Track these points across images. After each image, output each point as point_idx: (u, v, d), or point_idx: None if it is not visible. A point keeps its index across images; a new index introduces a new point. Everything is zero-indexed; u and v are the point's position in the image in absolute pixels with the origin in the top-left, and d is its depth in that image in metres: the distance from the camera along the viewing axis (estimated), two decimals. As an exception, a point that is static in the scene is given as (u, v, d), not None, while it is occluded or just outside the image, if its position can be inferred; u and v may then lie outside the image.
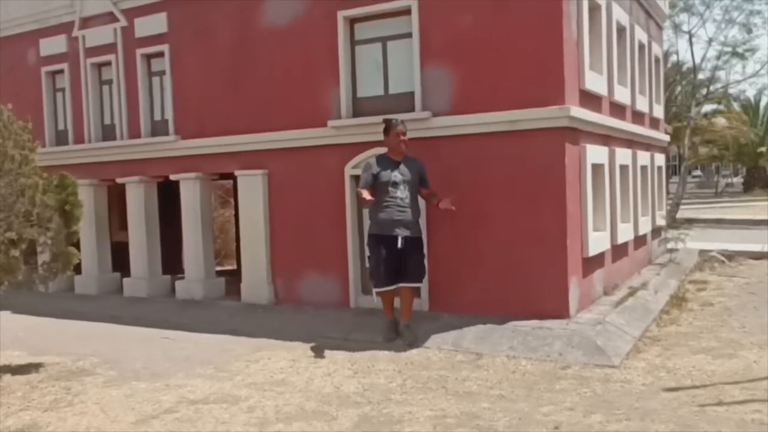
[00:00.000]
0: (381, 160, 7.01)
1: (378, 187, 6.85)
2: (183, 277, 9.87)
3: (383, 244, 6.83)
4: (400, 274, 6.91)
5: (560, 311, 7.06)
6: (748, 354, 6.36)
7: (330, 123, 8.16)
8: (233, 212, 12.71)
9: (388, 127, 7.00)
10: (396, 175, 6.90)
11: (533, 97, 7.08)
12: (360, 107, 8.19)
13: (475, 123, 7.39)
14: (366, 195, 6.65)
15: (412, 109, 7.74)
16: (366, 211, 7.46)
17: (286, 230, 8.79)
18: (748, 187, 40.46)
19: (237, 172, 9.14)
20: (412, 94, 7.78)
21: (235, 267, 12.10)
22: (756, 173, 41.23)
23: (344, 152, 8.13)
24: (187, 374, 6.22)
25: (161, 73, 9.83)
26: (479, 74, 7.41)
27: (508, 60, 7.24)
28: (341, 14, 8.12)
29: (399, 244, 6.81)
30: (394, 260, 6.83)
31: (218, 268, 11.18)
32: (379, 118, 7.74)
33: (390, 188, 6.86)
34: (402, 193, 6.90)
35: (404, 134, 7.00)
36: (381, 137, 7.34)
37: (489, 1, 7.31)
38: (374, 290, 6.97)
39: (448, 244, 7.63)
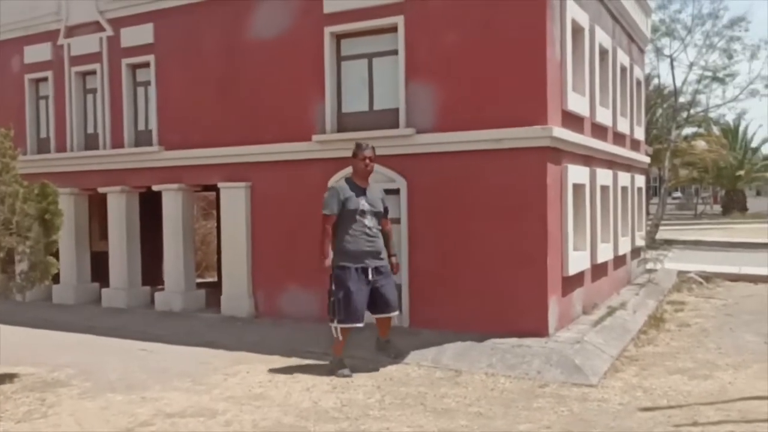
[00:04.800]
0: (349, 185, 6.68)
1: (345, 215, 6.54)
2: (162, 289, 9.81)
3: (353, 277, 6.47)
4: (375, 307, 6.69)
5: (539, 330, 7.10)
6: (724, 375, 6.43)
7: (315, 137, 8.19)
8: (215, 224, 12.67)
9: (357, 150, 6.74)
10: (364, 204, 6.63)
11: (516, 116, 7.16)
12: (345, 122, 8.23)
13: (458, 141, 7.45)
14: (327, 261, 6.52)
15: (397, 126, 7.80)
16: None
17: (268, 243, 8.78)
18: (726, 209, 41.01)
19: (220, 184, 9.13)
20: (396, 110, 7.84)
21: (215, 279, 12.04)
22: (734, 196, 41.81)
23: (328, 167, 8.16)
24: (164, 387, 6.16)
25: (146, 84, 9.82)
26: (463, 92, 7.48)
27: (493, 79, 7.32)
28: (328, 30, 8.18)
29: (370, 276, 6.57)
30: (365, 293, 6.54)
31: (199, 280, 11.13)
32: (364, 134, 7.80)
33: (358, 217, 6.55)
34: (370, 222, 6.63)
35: (371, 159, 6.71)
36: (366, 152, 7.37)
37: (474, 20, 7.41)
38: (339, 326, 6.47)
39: (429, 261, 7.66)
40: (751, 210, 41.03)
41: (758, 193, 56.90)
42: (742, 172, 40.00)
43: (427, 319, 7.64)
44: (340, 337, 6.50)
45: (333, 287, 6.50)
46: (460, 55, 7.49)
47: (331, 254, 6.58)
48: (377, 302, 6.67)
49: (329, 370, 6.51)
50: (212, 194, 13.00)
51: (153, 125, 9.69)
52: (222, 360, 7.11)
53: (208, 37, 9.17)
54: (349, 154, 7.81)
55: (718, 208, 45.01)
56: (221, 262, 9.68)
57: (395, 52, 7.84)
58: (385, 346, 6.96)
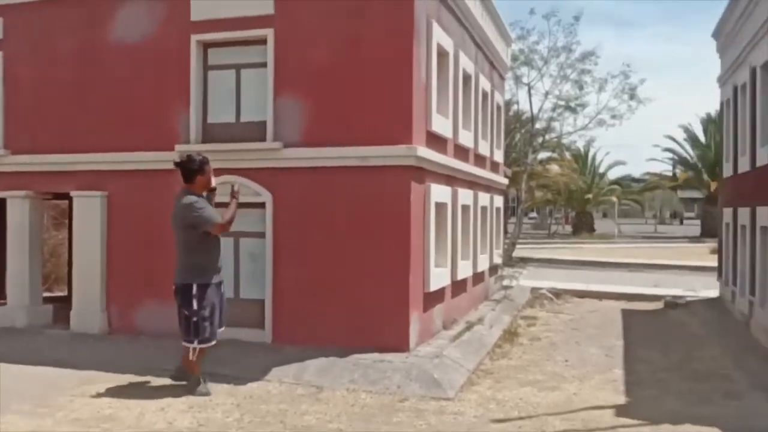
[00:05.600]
0: (201, 199, 6.30)
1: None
2: (4, 303, 9.05)
3: (215, 293, 6.27)
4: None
5: (401, 345, 7.23)
6: (570, 386, 6.84)
7: (178, 147, 7.91)
8: (68, 234, 11.88)
9: (203, 164, 6.27)
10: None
11: (383, 135, 7.30)
12: (210, 133, 8.03)
13: (325, 156, 7.48)
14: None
15: (264, 139, 7.71)
16: None
17: (125, 256, 8.36)
18: (576, 230, 43.86)
19: (73, 193, 8.60)
20: (264, 123, 7.76)
21: (66, 293, 11.28)
22: (583, 217, 44.81)
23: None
24: (2, 410, 5.67)
25: (-8, 82, 9.09)
26: (332, 109, 7.54)
27: (361, 97, 7.43)
28: (195, 38, 7.98)
29: (222, 290, 6.43)
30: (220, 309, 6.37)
31: (47, 294, 10.37)
32: (230, 146, 7.65)
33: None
34: (219, 238, 6.46)
35: (211, 172, 6.40)
36: (231, 164, 7.24)
37: (344, 38, 7.50)
38: (202, 345, 6.18)
39: (294, 277, 7.61)
40: (598, 231, 44.15)
41: (604, 215, 61.34)
42: (590, 196, 42.96)
43: (291, 334, 7.57)
44: (195, 358, 6.24)
45: (195, 306, 6.16)
46: (329, 71, 7.54)
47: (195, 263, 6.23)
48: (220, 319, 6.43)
49: (188, 389, 6.26)
50: (64, 202, 12.20)
51: (-2, 127, 8.98)
52: (69, 380, 6.65)
53: (64, 37, 8.64)
54: (213, 165, 7.58)
55: (569, 228, 48.06)
56: (72, 275, 9.08)
57: (264, 65, 7.77)
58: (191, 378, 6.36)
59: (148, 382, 6.63)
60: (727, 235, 11.66)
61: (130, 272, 8.32)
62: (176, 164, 6.37)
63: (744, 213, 9.97)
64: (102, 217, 8.41)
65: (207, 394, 6.19)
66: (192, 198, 6.24)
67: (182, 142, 7.98)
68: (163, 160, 8.02)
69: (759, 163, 8.93)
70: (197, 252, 6.26)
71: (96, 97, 8.48)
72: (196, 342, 6.20)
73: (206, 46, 8.08)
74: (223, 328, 6.50)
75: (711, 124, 39.09)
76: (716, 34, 12.61)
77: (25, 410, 5.69)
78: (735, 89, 11.01)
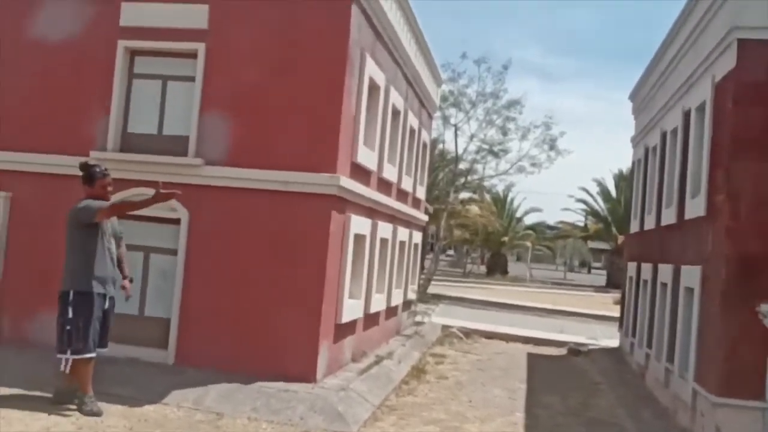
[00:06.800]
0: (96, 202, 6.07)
1: (91, 234, 5.99)
2: None
3: (96, 303, 5.96)
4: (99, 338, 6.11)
5: (307, 375, 7.12)
6: (471, 427, 6.90)
7: (93, 153, 7.60)
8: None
9: (92, 175, 6.11)
10: (116, 228, 6.28)
11: (307, 161, 7.26)
12: (129, 143, 7.78)
13: (247, 178, 7.37)
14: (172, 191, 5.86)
15: (185, 154, 7.53)
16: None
17: (24, 261, 7.92)
18: (491, 271, 44.81)
19: (-27, 191, 8.11)
20: (187, 138, 7.58)
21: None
22: (498, 259, 45.88)
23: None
24: None
25: None
26: (258, 130, 7.45)
27: (288, 121, 7.39)
28: (122, 44, 7.76)
29: (107, 305, 6.11)
30: (100, 322, 6.05)
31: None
32: (149, 158, 7.45)
33: (108, 239, 6.13)
34: (114, 248, 6.22)
35: (110, 185, 6.21)
36: (149, 176, 7.02)
37: (276, 60, 7.46)
38: (78, 356, 5.88)
39: (204, 297, 7.40)
40: (511, 273, 45.26)
41: (518, 258, 62.97)
42: (506, 238, 44.05)
43: (195, 356, 7.32)
44: (68, 370, 5.91)
45: (71, 314, 5.88)
46: (258, 92, 7.47)
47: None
48: (101, 334, 6.12)
49: (77, 407, 5.93)
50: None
51: None
52: (-54, 391, 6.19)
53: (-18, 27, 8.22)
54: (130, 176, 7.38)
55: (483, 268, 49.05)
56: (-37, 278, 8.52)
57: (192, 79, 7.62)
58: (88, 401, 5.99)
59: (35, 398, 6.23)
60: (630, 288, 12.16)
61: (28, 279, 7.88)
62: (80, 166, 6.22)
63: (647, 268, 10.43)
64: (3, 218, 7.97)
65: (98, 413, 5.88)
66: (86, 201, 6.05)
67: (98, 148, 7.69)
68: (75, 165, 7.70)
69: (664, 222, 9.39)
70: (79, 256, 5.99)
71: (8, 92, 8.07)
72: (68, 352, 5.87)
73: (134, 53, 7.87)
74: (106, 348, 6.20)
75: (622, 180, 40.95)
76: (632, 97, 13.29)
77: None
78: (646, 150, 11.58)
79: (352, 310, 8.22)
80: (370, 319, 9.50)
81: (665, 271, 9.03)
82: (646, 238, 11.10)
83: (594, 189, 43.38)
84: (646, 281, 10.49)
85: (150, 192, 5.98)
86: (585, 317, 20.49)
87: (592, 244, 56.96)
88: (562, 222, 49.40)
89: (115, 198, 6.87)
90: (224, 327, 7.34)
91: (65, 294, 5.96)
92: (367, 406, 7.01)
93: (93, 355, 5.99)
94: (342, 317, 7.84)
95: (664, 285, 9.09)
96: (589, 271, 70.34)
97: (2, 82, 8.10)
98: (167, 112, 7.76)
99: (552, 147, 24.00)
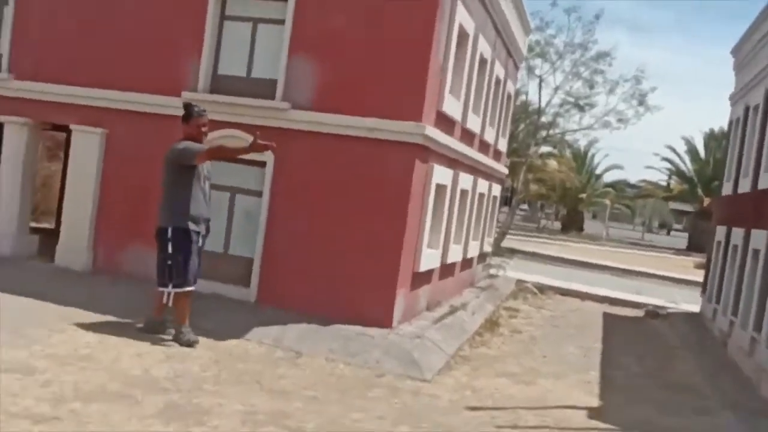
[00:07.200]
0: (193, 143, 6.32)
1: (190, 176, 6.23)
2: (-10, 228, 8.96)
3: (194, 240, 6.26)
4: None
5: (384, 321, 7.22)
6: (545, 382, 6.88)
7: (184, 94, 7.78)
8: (61, 167, 11.76)
9: (190, 113, 6.35)
10: (209, 170, 6.50)
11: (393, 109, 7.21)
12: (219, 84, 7.91)
13: (333, 123, 7.39)
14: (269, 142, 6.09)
15: (273, 98, 7.61)
16: None
17: (118, 196, 8.28)
18: (565, 228, 44.02)
19: (72, 126, 8.47)
20: (275, 81, 7.64)
21: (52, 226, 11.19)
22: (574, 216, 44.96)
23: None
24: (-22, 336, 5.63)
25: (2, 3, 8.88)
26: (346, 75, 7.43)
27: (376, 68, 7.32)
28: (215, -15, 7.82)
29: (200, 243, 6.39)
30: (198, 258, 6.38)
31: (33, 225, 10.28)
32: (238, 100, 7.56)
33: (203, 181, 6.38)
34: (208, 189, 6.47)
35: (205, 126, 6.41)
36: (236, 119, 7.15)
37: (368, 6, 7.37)
38: (179, 289, 6.22)
39: (286, 239, 7.56)
40: (586, 231, 44.35)
41: (594, 216, 61.56)
42: (584, 195, 43.03)
43: (276, 296, 7.53)
44: (170, 303, 6.26)
45: (171, 250, 6.19)
46: (348, 37, 7.42)
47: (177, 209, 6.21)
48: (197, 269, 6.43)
49: (175, 337, 6.25)
50: (61, 134, 12.05)
51: (4, 49, 8.79)
52: (49, 314, 6.61)
53: (82, -34, 8.45)
54: (219, 117, 7.51)
55: (557, 224, 48.21)
56: (62, 209, 8.99)
57: (282, 22, 7.63)
58: (185, 331, 6.31)
59: (128, 325, 6.58)
60: (717, 253, 11.70)
61: (122, 213, 8.25)
62: (183, 105, 6.55)
63: (738, 233, 9.99)
64: (99, 154, 8.31)
65: (194, 343, 6.21)
66: (183, 141, 6.31)
67: (189, 89, 7.86)
68: (168, 105, 7.93)
69: (761, 186, 8.93)
70: (177, 194, 6.24)
71: (107, 32, 8.32)
72: (170, 286, 6.22)
73: (226, -5, 7.93)
74: (197, 282, 6.47)
75: (713, 140, 39.15)
76: (735, 52, 12.53)
77: (1, 340, 5.64)
78: (747, 109, 10.96)
79: (429, 259, 8.25)
80: (446, 270, 9.52)
81: (759, 237, 8.63)
82: (739, 201, 10.60)
83: (681, 148, 41.72)
84: (736, 246, 10.06)
85: (247, 138, 6.13)
86: (664, 280, 19.95)
87: (673, 205, 55.06)
88: (644, 181, 47.75)
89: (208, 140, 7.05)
90: (305, 269, 7.50)
91: (164, 230, 6.23)
92: (441, 354, 7.08)
93: (192, 288, 6.32)
94: (420, 266, 7.87)
95: (756, 251, 8.70)
96: (668, 233, 68.19)
97: (105, 20, 8.33)
98: (257, 55, 7.81)
99: (641, 102, 23.01)
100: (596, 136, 43.28)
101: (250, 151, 6.21)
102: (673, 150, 42.26)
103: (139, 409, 4.54)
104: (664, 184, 45.14)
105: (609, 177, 46.68)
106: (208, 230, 6.52)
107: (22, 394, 4.52)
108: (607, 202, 45.55)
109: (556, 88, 22.40)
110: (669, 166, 43.12)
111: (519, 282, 13.84)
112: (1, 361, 5.11)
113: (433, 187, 7.88)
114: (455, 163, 8.96)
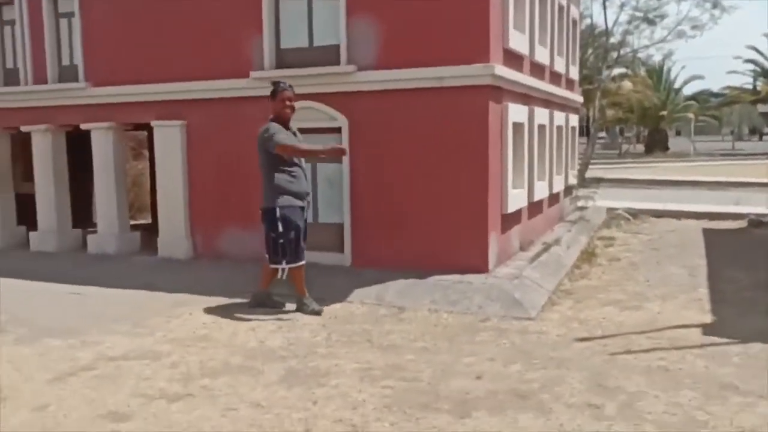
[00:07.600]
0: (279, 127, 6.40)
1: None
2: (95, 231, 9.50)
3: (299, 216, 6.43)
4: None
5: (480, 266, 7.25)
6: (652, 306, 6.76)
7: (252, 74, 7.95)
8: (147, 164, 12.28)
9: (276, 90, 6.45)
10: (300, 140, 6.60)
11: (459, 54, 7.11)
12: (283, 58, 8.00)
13: (400, 78, 7.37)
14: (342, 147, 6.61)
15: (337, 63, 7.64)
16: None
17: (205, 183, 8.58)
18: (649, 149, 42.45)
19: (153, 123, 8.80)
20: (337, 47, 7.66)
21: (149, 221, 11.74)
22: (657, 135, 43.25)
23: (267, 104, 7.89)
24: (103, 330, 6.02)
25: (69, 15, 9.25)
26: (406, 29, 7.36)
27: (435, 16, 7.22)
28: (266, -41, 7.86)
29: (305, 216, 6.56)
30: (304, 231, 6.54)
31: (131, 222, 10.81)
32: (304, 71, 7.62)
33: (298, 158, 6.53)
34: (303, 162, 6.61)
35: (291, 100, 6.46)
36: (306, 89, 7.23)
37: (417, -46, 7.24)
38: (293, 264, 6.41)
39: (371, 201, 7.66)
40: (672, 149, 42.64)
41: (678, 133, 59.03)
42: (665, 113, 41.33)
43: (370, 258, 7.68)
44: (284, 277, 6.46)
45: (281, 228, 6.35)
46: (402, -11, 7.33)
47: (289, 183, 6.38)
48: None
49: (299, 309, 6.53)
50: (142, 133, 12.55)
51: (78, 59, 9.18)
52: (162, 302, 6.99)
53: (136, -34, 8.66)
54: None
55: (641, 147, 46.51)
56: (156, 204, 9.40)
57: (336, -14, 7.62)
58: (308, 301, 6.59)
59: (236, 303, 6.89)
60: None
61: (211, 199, 8.56)
62: (271, 82, 6.77)
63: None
64: (182, 145, 8.61)
65: (319, 312, 6.44)
66: (269, 125, 6.41)
67: (257, 68, 8.00)
68: (239, 87, 8.12)
69: None
70: (278, 174, 6.38)
71: (172, 26, 8.55)
72: (284, 263, 6.41)
73: (277, -31, 7.96)
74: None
75: (799, 31, 36.60)
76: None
77: (124, 330, 6.02)
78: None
79: (516, 199, 8.18)
80: (534, 208, 9.41)
81: None
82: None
83: (764, 46, 39.31)
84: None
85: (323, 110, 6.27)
86: (762, 186, 19.01)
87: (763, 108, 52.03)
88: (728, 87, 45.34)
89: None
90: (394, 227, 7.59)
91: (271, 210, 6.37)
92: (542, 291, 7.06)
93: (303, 262, 6.52)
94: (507, 207, 7.82)
95: None
96: (760, 138, 64.61)
97: (168, 15, 8.56)
98: (316, 24, 7.84)
99: (715, 5, 21.66)
100: (671, 49, 41.40)
101: (325, 155, 6.64)
102: (756, 50, 39.90)
103: (262, 378, 4.78)
104: (750, 87, 42.70)
105: (690, 89, 44.83)
106: (309, 203, 6.71)
107: (154, 377, 4.84)
108: (691, 115, 43.58)
109: (622, 5, 21.42)
110: (753, 67, 40.73)
111: (610, 210, 13.52)
112: (130, 350, 5.47)
113: (510, 126, 7.76)
114: (529, 98, 8.78)
